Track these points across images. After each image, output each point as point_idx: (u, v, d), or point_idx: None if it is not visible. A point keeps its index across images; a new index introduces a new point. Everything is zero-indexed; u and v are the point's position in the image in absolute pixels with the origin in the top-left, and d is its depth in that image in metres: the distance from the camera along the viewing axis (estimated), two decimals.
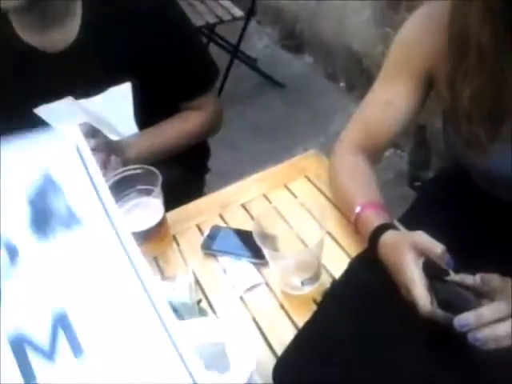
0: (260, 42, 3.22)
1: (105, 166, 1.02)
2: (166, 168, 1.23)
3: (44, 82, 1.11)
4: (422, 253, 0.72)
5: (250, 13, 2.55)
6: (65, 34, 1.07)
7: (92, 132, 1.04)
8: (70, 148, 0.65)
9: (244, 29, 2.59)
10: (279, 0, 3.04)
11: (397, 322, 0.75)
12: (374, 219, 0.83)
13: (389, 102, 0.93)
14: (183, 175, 1.29)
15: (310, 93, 2.78)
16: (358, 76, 2.57)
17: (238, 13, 2.51)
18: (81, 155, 0.63)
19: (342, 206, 0.94)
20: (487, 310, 0.64)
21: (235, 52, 2.67)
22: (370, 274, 0.82)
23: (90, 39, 1.08)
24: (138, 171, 0.94)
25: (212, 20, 2.50)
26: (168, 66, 1.14)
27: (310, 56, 2.98)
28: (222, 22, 2.47)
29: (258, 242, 0.78)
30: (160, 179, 0.90)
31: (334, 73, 2.79)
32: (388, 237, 0.79)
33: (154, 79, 1.14)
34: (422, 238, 0.73)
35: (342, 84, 2.75)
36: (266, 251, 0.79)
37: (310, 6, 2.76)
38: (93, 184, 0.58)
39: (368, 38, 2.37)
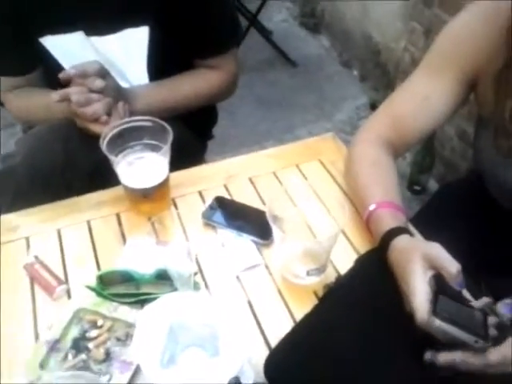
0: (278, 15, 3.11)
1: (110, 112, 0.94)
2: (171, 126, 1.16)
3: (57, 11, 1.01)
4: (433, 266, 0.68)
5: None
6: None
7: (102, 72, 0.95)
8: None
9: None
10: None
11: (396, 327, 0.70)
12: (388, 220, 0.78)
13: (427, 96, 0.86)
14: (187, 137, 1.22)
15: (321, 76, 2.70)
16: (372, 67, 2.50)
17: None
18: None
19: (356, 199, 0.89)
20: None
21: (253, 20, 2.56)
22: (376, 276, 0.77)
23: None
24: (148, 124, 0.86)
25: None
26: (193, 16, 1.06)
27: (327, 38, 2.89)
28: None
29: (270, 221, 0.71)
30: (171, 136, 0.83)
31: (349, 60, 2.72)
32: (401, 241, 0.74)
33: (175, 28, 1.05)
34: (439, 252, 0.68)
35: (355, 72, 2.67)
36: (276, 232, 0.73)
37: None
38: None
39: (391, 31, 2.29)
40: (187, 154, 1.10)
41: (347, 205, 0.76)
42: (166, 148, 0.83)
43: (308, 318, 0.72)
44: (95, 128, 0.92)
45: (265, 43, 2.74)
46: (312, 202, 0.84)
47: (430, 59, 0.88)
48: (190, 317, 0.68)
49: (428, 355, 0.63)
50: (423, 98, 0.87)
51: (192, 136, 1.26)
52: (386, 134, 0.90)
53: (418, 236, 0.84)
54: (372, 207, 0.80)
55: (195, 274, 0.77)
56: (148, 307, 0.68)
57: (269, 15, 3.05)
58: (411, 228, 0.84)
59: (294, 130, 2.36)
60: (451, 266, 0.66)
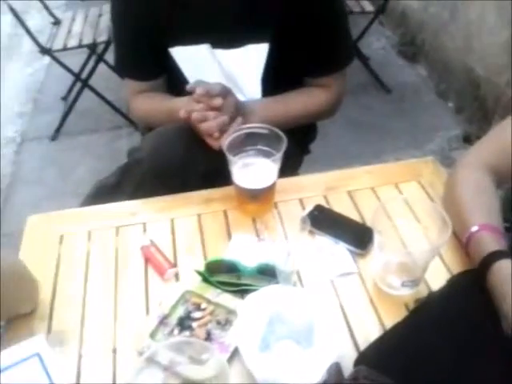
0: (377, 43, 3.15)
1: (225, 128, 0.99)
2: None
3: (187, 25, 1.12)
4: None
5: (381, 10, 2.48)
6: None
7: (223, 92, 1.02)
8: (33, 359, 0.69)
9: (370, 24, 2.54)
10: (409, 3, 2.95)
11: (487, 353, 0.71)
12: (490, 243, 0.79)
13: None
14: (289, 150, 1.28)
15: (415, 104, 2.70)
16: (470, 100, 2.46)
17: (368, 7, 2.46)
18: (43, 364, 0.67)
19: (455, 221, 0.89)
20: None
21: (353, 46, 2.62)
22: (470, 296, 0.78)
23: None
24: (264, 131, 0.94)
25: None
26: (311, 36, 1.12)
27: (425, 68, 2.88)
28: (350, 12, 2.42)
29: (375, 230, 0.75)
30: (285, 145, 0.90)
31: (446, 91, 2.69)
32: (503, 265, 0.75)
33: (293, 47, 1.12)
34: None
35: (450, 104, 2.64)
36: (377, 241, 0.77)
37: (441, 18, 2.66)
38: None
39: (495, 64, 2.26)
40: (287, 165, 1.16)
41: (446, 225, 0.78)
42: (279, 156, 0.90)
43: (397, 327, 0.74)
44: (208, 140, 1.00)
45: (361, 68, 2.78)
46: (409, 218, 0.87)
47: None
48: (289, 309, 0.74)
49: None
50: None
51: (293, 149, 1.32)
52: (491, 161, 0.91)
53: None
54: (474, 229, 0.81)
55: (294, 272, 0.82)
56: (251, 296, 0.75)
57: (367, 42, 3.10)
58: None
59: (382, 155, 2.37)
60: None
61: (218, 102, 0.98)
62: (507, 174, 0.91)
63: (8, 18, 2.60)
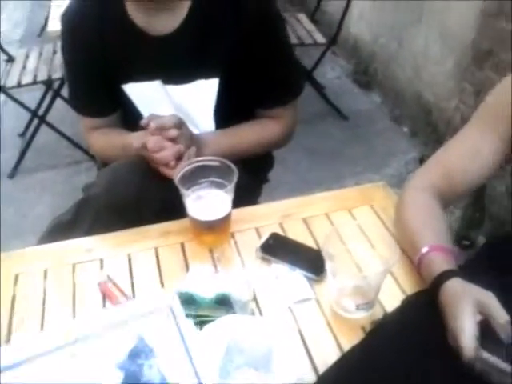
0: (332, 72, 3.26)
1: (180, 156, 1.03)
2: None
3: (139, 62, 1.14)
4: (482, 313, 0.71)
5: (332, 41, 2.58)
6: (173, 19, 1.10)
7: (178, 124, 1.04)
8: (164, 313, 0.73)
9: (322, 55, 2.63)
10: (360, 34, 3.08)
11: (441, 370, 0.73)
12: (441, 263, 0.81)
13: (479, 150, 0.91)
14: (245, 180, 1.30)
15: (372, 130, 2.79)
16: (423, 125, 2.56)
17: (320, 39, 2.55)
18: (176, 320, 0.71)
19: (406, 243, 0.93)
20: None
21: (307, 76, 2.70)
22: (424, 316, 0.80)
23: (192, 29, 1.10)
24: (215, 163, 0.96)
25: (293, 41, 2.53)
26: (260, 70, 1.16)
27: (379, 95, 2.99)
28: (302, 44, 2.50)
29: (326, 256, 0.78)
30: (236, 176, 0.92)
31: (400, 116, 2.79)
32: (453, 284, 0.77)
33: (242, 81, 1.16)
34: (491, 300, 0.72)
35: (405, 129, 2.74)
36: (329, 267, 0.79)
37: (390, 49, 2.79)
38: (186, 348, 0.65)
39: (443, 91, 2.37)
40: (244, 195, 1.18)
41: (397, 246, 0.81)
42: (231, 187, 0.92)
43: (355, 349, 0.76)
44: (164, 170, 1.02)
45: (317, 97, 2.86)
46: (362, 242, 0.90)
47: (482, 114, 0.94)
48: (246, 338, 0.74)
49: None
50: (476, 151, 0.92)
51: (249, 179, 1.35)
52: (437, 184, 0.94)
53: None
54: (424, 250, 0.83)
55: (251, 300, 0.83)
56: (207, 327, 0.75)
57: (322, 71, 3.20)
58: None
59: (342, 180, 2.43)
60: (500, 316, 0.69)
61: (173, 133, 1.01)
62: (450, 195, 0.96)
63: None
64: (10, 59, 2.56)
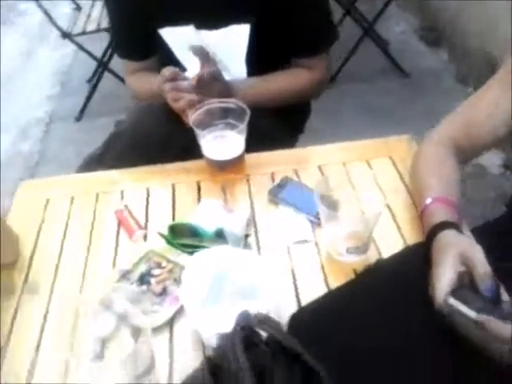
0: (397, 27, 3.12)
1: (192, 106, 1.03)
2: (266, 118, 1.28)
3: (173, 6, 1.17)
4: (466, 264, 0.71)
5: None
6: None
7: (213, 76, 1.07)
8: None
9: (384, 7, 2.52)
10: None
11: (421, 321, 0.73)
12: (441, 214, 0.81)
13: (497, 105, 0.88)
14: (280, 129, 1.33)
15: (435, 90, 2.66)
16: None
17: None
18: None
19: (415, 193, 0.93)
20: None
21: (369, 30, 2.61)
22: (414, 266, 0.80)
23: None
24: (231, 105, 0.99)
25: None
26: (290, 19, 1.16)
27: (446, 53, 2.83)
28: None
29: (317, 199, 0.79)
30: (248, 117, 0.94)
31: (466, 77, 2.64)
32: (447, 235, 0.77)
33: (273, 28, 1.16)
34: (475, 252, 0.71)
35: (470, 89, 2.60)
36: (322, 210, 0.81)
37: (456, 4, 2.61)
38: None
39: None
40: (277, 144, 1.20)
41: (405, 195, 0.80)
42: (243, 127, 0.94)
43: (339, 289, 0.79)
44: (183, 117, 1.06)
45: (378, 53, 2.76)
46: (371, 191, 0.90)
47: (505, 71, 0.90)
48: (234, 268, 0.79)
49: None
50: (494, 105, 0.89)
51: (283, 128, 1.36)
52: (456, 137, 0.92)
53: (468, 234, 0.86)
54: (428, 201, 0.83)
55: (247, 236, 0.87)
56: (198, 254, 0.80)
57: (386, 26, 3.07)
58: (466, 229, 0.87)
59: None
60: (481, 267, 0.69)
61: (182, 85, 1.04)
62: (469, 149, 0.93)
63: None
64: (78, 8, 2.69)
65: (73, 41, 2.50)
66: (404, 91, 2.66)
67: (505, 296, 0.73)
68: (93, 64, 2.85)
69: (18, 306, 0.84)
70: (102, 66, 2.56)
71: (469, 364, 0.67)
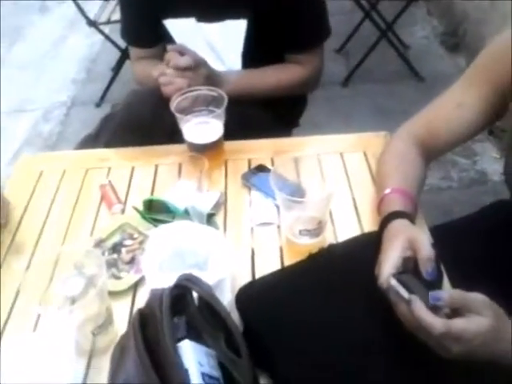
0: (421, 31, 3.12)
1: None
2: (259, 110, 1.34)
3: None
4: (412, 248, 0.75)
5: None
6: None
7: (196, 63, 1.13)
8: None
9: (402, 10, 2.54)
10: None
11: (364, 302, 0.77)
12: (396, 204, 0.85)
13: (460, 104, 0.92)
14: (272, 122, 1.39)
15: None
16: None
17: None
18: None
19: (377, 185, 0.97)
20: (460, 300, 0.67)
21: (386, 32, 2.63)
22: (367, 252, 0.83)
23: None
24: (213, 93, 1.06)
25: None
26: (286, 13, 1.22)
27: (465, 59, 2.83)
28: None
29: (273, 184, 0.85)
30: (225, 103, 1.01)
31: None
32: (397, 222, 0.81)
33: (270, 24, 1.22)
34: (421, 237, 0.76)
35: None
36: (278, 195, 0.87)
37: (482, 9, 2.60)
38: None
39: None
40: (268, 136, 1.24)
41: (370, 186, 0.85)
42: (220, 112, 1.01)
43: (289, 267, 0.85)
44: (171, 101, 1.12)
45: (396, 55, 2.78)
46: (338, 182, 0.96)
47: (470, 71, 0.94)
48: (194, 242, 0.85)
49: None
50: (457, 104, 0.93)
51: (275, 121, 1.42)
52: (420, 135, 0.97)
53: (423, 228, 0.91)
54: (387, 191, 0.88)
55: (212, 215, 0.94)
56: (161, 227, 0.87)
57: (411, 30, 3.08)
58: (423, 223, 0.91)
59: None
60: (425, 250, 0.73)
61: (168, 71, 1.11)
62: (433, 147, 0.97)
63: None
64: None
65: (98, 29, 2.61)
66: (417, 95, 2.67)
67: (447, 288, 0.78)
68: (119, 53, 2.97)
69: (2, 262, 0.93)
70: (125, 54, 2.66)
71: (408, 345, 0.70)
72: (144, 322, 0.61)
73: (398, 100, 2.65)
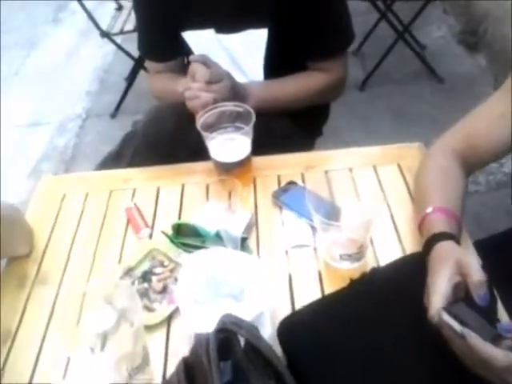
0: (438, 31, 3.06)
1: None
2: (283, 122, 1.30)
3: (195, 10, 1.21)
4: (461, 273, 0.70)
5: None
6: None
7: (216, 78, 1.07)
8: None
9: (421, 10, 2.48)
10: None
11: (411, 330, 0.73)
12: (440, 225, 0.80)
13: (502, 115, 0.87)
14: (297, 133, 1.34)
15: (469, 96, 2.58)
16: None
17: None
18: None
19: (417, 202, 0.93)
20: None
21: (403, 33, 2.58)
22: (412, 276, 0.80)
23: None
24: (239, 109, 1.01)
25: None
26: (308, 21, 1.17)
27: (484, 58, 2.76)
28: None
29: (310, 206, 0.81)
30: (253, 120, 0.96)
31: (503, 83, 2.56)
32: (443, 245, 0.77)
33: (290, 32, 1.18)
34: (471, 261, 0.71)
35: None
36: (315, 217, 0.82)
37: (504, 6, 2.53)
38: None
39: None
40: (293, 147, 1.18)
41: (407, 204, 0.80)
42: (248, 129, 0.97)
43: (332, 295, 0.80)
44: (197, 117, 1.06)
45: (414, 56, 2.72)
46: (376, 200, 0.91)
47: (509, 81, 0.89)
48: (229, 270, 0.81)
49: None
50: (499, 115, 0.88)
51: (299, 132, 1.37)
52: (460, 149, 0.92)
53: (470, 248, 0.86)
54: (429, 210, 0.83)
55: (246, 239, 0.90)
56: (194, 254, 0.83)
57: (428, 30, 3.02)
58: (467, 242, 0.86)
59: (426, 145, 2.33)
60: (476, 275, 0.69)
61: (196, 85, 1.06)
62: (474, 159, 0.92)
63: (87, 3, 2.82)
64: (120, 8, 2.77)
65: (111, 40, 2.58)
66: (436, 96, 2.61)
67: (503, 316, 0.73)
68: (132, 63, 2.94)
69: (29, 295, 0.89)
70: (138, 63, 2.64)
71: (454, 376, 0.67)
72: (189, 370, 0.57)
73: (417, 102, 2.60)
